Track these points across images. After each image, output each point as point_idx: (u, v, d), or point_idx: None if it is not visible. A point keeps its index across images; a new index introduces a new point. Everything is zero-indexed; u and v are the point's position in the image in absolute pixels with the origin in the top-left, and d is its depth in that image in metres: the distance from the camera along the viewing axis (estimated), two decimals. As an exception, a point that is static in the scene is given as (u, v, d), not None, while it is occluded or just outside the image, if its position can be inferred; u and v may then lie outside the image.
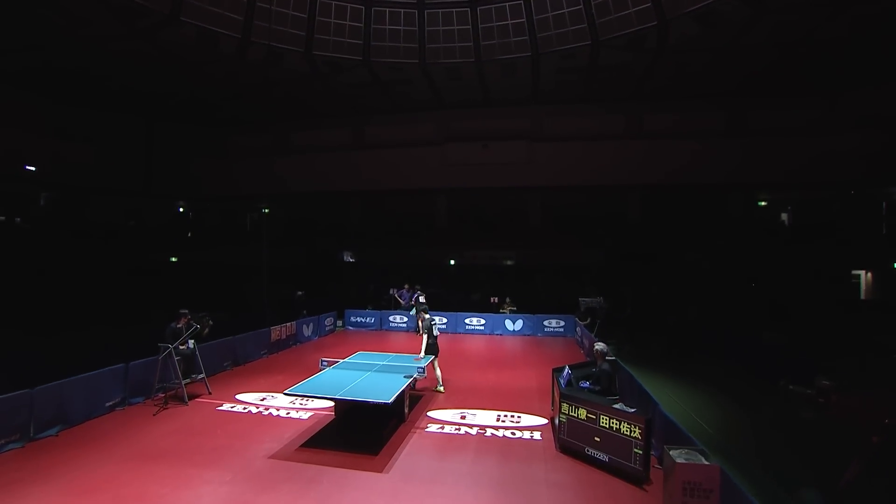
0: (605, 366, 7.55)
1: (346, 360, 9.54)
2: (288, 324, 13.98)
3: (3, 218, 20.30)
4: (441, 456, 6.87)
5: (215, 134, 25.96)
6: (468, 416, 8.35)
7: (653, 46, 16.88)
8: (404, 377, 8.22)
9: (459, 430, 7.79)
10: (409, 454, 6.89)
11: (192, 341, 9.49)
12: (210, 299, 15.64)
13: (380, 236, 24.29)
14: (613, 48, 17.34)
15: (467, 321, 17.02)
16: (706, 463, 5.14)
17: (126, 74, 19.24)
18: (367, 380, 8.09)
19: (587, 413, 6.86)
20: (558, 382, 7.60)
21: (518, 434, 7.64)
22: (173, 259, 23.35)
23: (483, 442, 7.36)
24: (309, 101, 22.87)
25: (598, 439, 6.69)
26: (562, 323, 16.35)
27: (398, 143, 24.39)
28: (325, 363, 8.84)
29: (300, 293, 16.71)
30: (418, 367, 8.52)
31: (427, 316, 9.62)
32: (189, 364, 9.40)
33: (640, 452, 6.21)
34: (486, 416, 8.34)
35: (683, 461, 5.17)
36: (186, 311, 9.39)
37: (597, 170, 21.73)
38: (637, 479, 6.17)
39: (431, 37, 19.08)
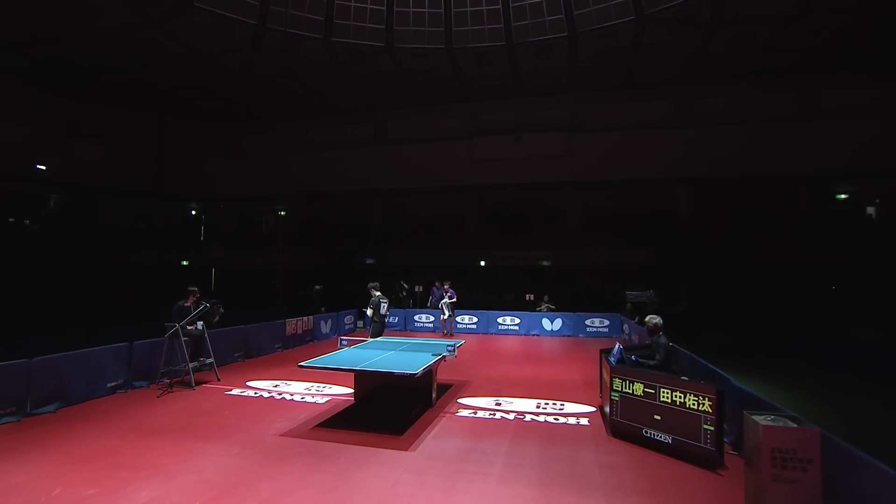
0: (662, 339, 7.14)
1: (368, 340, 9.44)
2: (305, 318, 13.93)
3: (12, 219, 20.98)
4: (475, 437, 6.65)
5: (230, 131, 26.58)
6: (504, 404, 8.18)
7: (707, 18, 16.44)
8: (432, 355, 8.05)
9: (494, 415, 7.61)
10: (438, 436, 6.69)
11: (202, 322, 9.42)
12: (224, 301, 15.71)
13: (404, 237, 24.30)
14: (660, 23, 17.02)
15: (500, 320, 16.93)
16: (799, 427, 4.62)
17: (138, 67, 19.85)
18: (391, 357, 7.93)
19: (644, 387, 6.44)
20: (607, 361, 7.21)
21: (562, 420, 7.40)
22: (184, 263, 23.71)
23: (522, 427, 7.12)
24: (327, 94, 23.20)
25: (657, 417, 6.26)
26: (606, 322, 15.87)
27: (423, 137, 24.52)
28: (344, 342, 8.76)
29: (318, 287, 16.76)
30: (448, 346, 8.40)
31: (377, 294, 10.18)
32: (198, 347, 9.32)
33: (712, 429, 5.73)
34: (524, 404, 8.16)
35: (770, 423, 4.68)
36: (196, 288, 9.34)
37: (641, 162, 21.31)
38: (708, 461, 5.69)
39: (458, 19, 19.15)
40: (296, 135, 26.32)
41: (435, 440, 6.53)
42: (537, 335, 16.47)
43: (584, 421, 7.34)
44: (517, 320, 16.77)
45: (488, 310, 17.16)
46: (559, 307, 17.54)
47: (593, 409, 7.92)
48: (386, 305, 10.34)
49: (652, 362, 6.95)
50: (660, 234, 20.78)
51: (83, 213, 23.23)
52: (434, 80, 21.53)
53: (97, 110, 22.82)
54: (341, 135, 25.54)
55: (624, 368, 6.81)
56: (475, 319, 16.10)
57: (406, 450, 6.11)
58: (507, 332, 16.72)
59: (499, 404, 8.12)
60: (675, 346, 7.94)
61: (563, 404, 8.12)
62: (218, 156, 26.27)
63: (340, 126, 25.56)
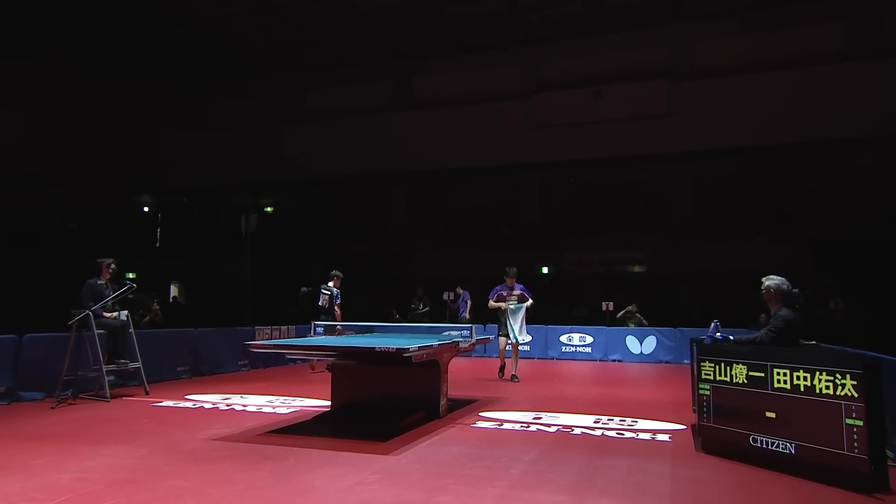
0: (784, 311, 6.80)
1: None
2: (283, 327, 14.04)
3: None
4: (491, 446, 6.76)
5: (195, 96, 27.57)
6: (545, 418, 8.27)
7: None
8: (438, 338, 8.32)
9: (528, 427, 7.74)
10: (438, 443, 6.86)
11: (126, 312, 9.60)
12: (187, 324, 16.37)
13: (436, 237, 24.57)
14: None
15: (564, 339, 17.16)
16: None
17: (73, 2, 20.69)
18: (384, 339, 8.33)
19: (748, 370, 6.10)
20: (699, 345, 7.07)
21: (628, 435, 7.42)
22: (130, 275, 24.40)
23: (565, 439, 7.20)
24: (330, 40, 23.80)
25: (771, 415, 5.88)
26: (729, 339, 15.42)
27: (462, 98, 24.85)
28: (320, 329, 9.26)
29: (305, 289, 17.12)
30: (462, 331, 8.72)
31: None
32: (118, 342, 9.48)
33: (860, 425, 5.28)
34: (575, 419, 8.24)
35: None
36: (110, 260, 9.53)
37: (784, 118, 20.71)
38: (856, 477, 5.23)
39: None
40: (287, 100, 27.11)
41: (431, 446, 6.69)
42: (619, 360, 16.50)
43: (663, 437, 7.28)
44: (589, 339, 16.88)
45: (549, 325, 17.22)
46: (655, 322, 17.42)
47: (682, 426, 7.76)
48: (326, 296, 11.84)
49: (756, 334, 6.72)
50: (818, 224, 20.38)
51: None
52: (477, 14, 21.82)
53: (10, 66, 23.60)
54: (349, 98, 26.17)
55: (718, 346, 6.64)
56: (529, 337, 15.96)
57: (385, 454, 6.26)
58: (573, 356, 16.94)
59: (538, 418, 8.20)
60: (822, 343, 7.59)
61: (634, 420, 8.14)
62: (179, 130, 27.28)
63: (348, 85, 26.23)
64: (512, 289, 11.65)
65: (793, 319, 6.71)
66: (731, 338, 7.02)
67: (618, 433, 7.42)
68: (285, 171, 26.10)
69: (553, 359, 16.79)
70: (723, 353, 6.42)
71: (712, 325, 7.49)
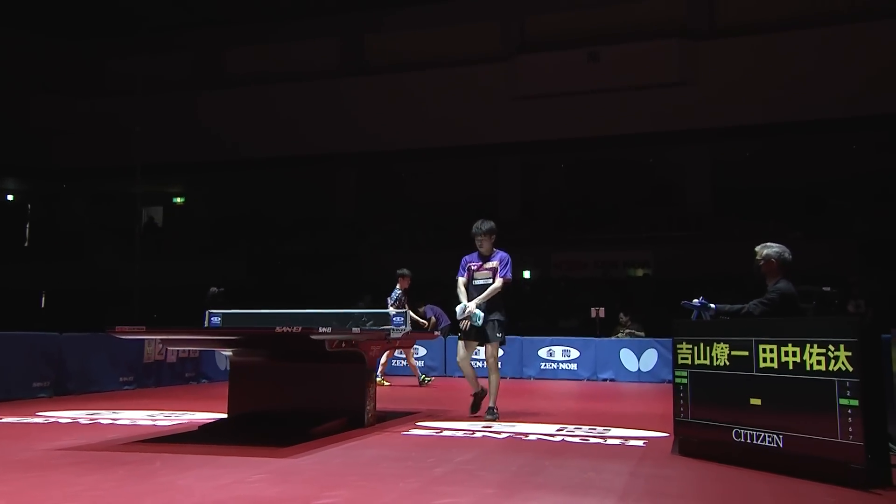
0: (783, 283, 7.05)
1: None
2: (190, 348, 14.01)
3: None
4: (420, 450, 6.95)
5: (78, 52, 27.32)
6: (498, 426, 8.56)
7: None
8: (364, 325, 8.65)
9: (473, 434, 7.98)
10: (355, 447, 7.01)
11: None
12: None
13: (392, 235, 24.72)
14: None
15: (544, 353, 17.28)
16: None
17: None
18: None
19: (730, 350, 6.30)
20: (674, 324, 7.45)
21: (594, 441, 7.67)
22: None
23: (514, 443, 7.46)
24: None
25: (756, 402, 6.04)
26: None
27: (426, 60, 25.12)
28: (215, 319, 9.34)
29: (215, 289, 17.18)
30: (397, 318, 8.90)
31: None
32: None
33: (855, 405, 5.44)
34: (534, 427, 8.50)
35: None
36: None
37: (823, 88, 21.13)
38: (851, 469, 5.36)
39: None
40: (201, 59, 27.14)
41: (344, 450, 6.84)
42: (611, 380, 16.69)
43: (636, 443, 7.52)
44: (574, 353, 16.99)
45: (524, 335, 17.39)
46: (655, 335, 17.27)
47: (665, 434, 7.95)
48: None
49: (743, 306, 7.02)
50: (866, 216, 20.74)
51: None
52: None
53: None
54: (282, 59, 26.32)
55: (696, 323, 6.98)
56: (501, 352, 16.13)
57: (281, 457, 6.36)
58: (555, 375, 17.17)
59: (488, 426, 8.43)
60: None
61: (606, 429, 8.38)
62: (58, 94, 27.00)
63: (280, 43, 26.27)
64: (487, 258, 9.28)
65: (790, 293, 6.92)
66: (713, 306, 7.20)
67: (581, 439, 7.59)
68: (199, 151, 26.09)
69: (530, 378, 16.84)
70: (702, 330, 6.65)
71: (698, 299, 7.50)
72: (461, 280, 9.22)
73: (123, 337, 7.57)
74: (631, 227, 22.57)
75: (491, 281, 9.03)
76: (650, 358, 16.41)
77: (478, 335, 9.03)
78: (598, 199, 24.08)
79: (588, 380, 16.65)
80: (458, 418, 9.11)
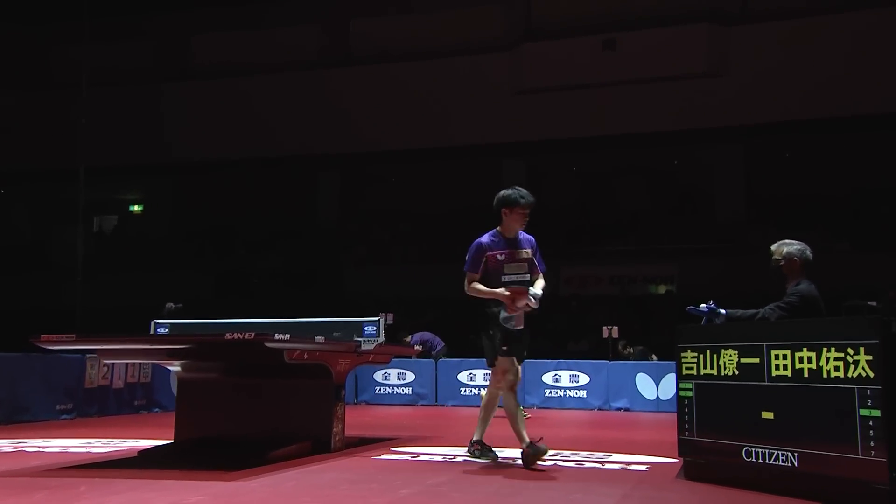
0: (804, 284, 7.17)
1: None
2: (134, 362, 14.01)
3: None
4: (388, 473, 7.10)
5: (24, 39, 27.52)
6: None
7: None
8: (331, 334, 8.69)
9: (454, 459, 8.10)
10: (317, 471, 7.10)
11: None
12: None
13: (380, 248, 24.99)
14: None
15: (549, 378, 17.42)
16: None
17: None
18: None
19: (740, 357, 6.39)
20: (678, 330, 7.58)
21: (590, 465, 7.77)
22: None
23: (499, 467, 7.58)
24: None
25: (769, 416, 6.12)
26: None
27: (419, 49, 25.35)
28: (162, 329, 9.56)
29: (172, 305, 17.25)
30: (367, 327, 9.05)
31: None
32: None
33: (877, 416, 5.51)
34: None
35: None
36: None
37: (873, 81, 21.27)
38: (871, 491, 5.40)
39: None
40: (164, 46, 27.36)
41: (302, 473, 6.90)
42: (626, 409, 16.74)
43: (637, 468, 7.62)
44: (584, 378, 17.12)
45: (525, 357, 17.04)
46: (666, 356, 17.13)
47: (673, 460, 7.91)
48: None
49: (758, 312, 7.18)
50: None
51: None
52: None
53: None
54: (257, 47, 26.53)
55: (703, 328, 7.13)
56: (488, 372, 16.22)
57: (229, 480, 6.41)
58: (561, 403, 17.30)
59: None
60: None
61: (607, 454, 8.47)
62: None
63: (255, 30, 26.52)
64: (515, 243, 7.42)
65: (812, 295, 7.02)
66: (723, 311, 7.30)
67: (576, 464, 7.67)
68: (161, 152, 26.29)
69: (532, 407, 16.60)
70: (708, 336, 6.74)
71: (707, 304, 7.63)
72: (473, 276, 7.18)
73: (50, 347, 7.57)
74: (652, 238, 22.65)
75: (528, 277, 7.32)
76: (670, 384, 15.50)
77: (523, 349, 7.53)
78: (615, 207, 24.14)
79: (599, 409, 16.74)
80: (439, 444, 9.21)
